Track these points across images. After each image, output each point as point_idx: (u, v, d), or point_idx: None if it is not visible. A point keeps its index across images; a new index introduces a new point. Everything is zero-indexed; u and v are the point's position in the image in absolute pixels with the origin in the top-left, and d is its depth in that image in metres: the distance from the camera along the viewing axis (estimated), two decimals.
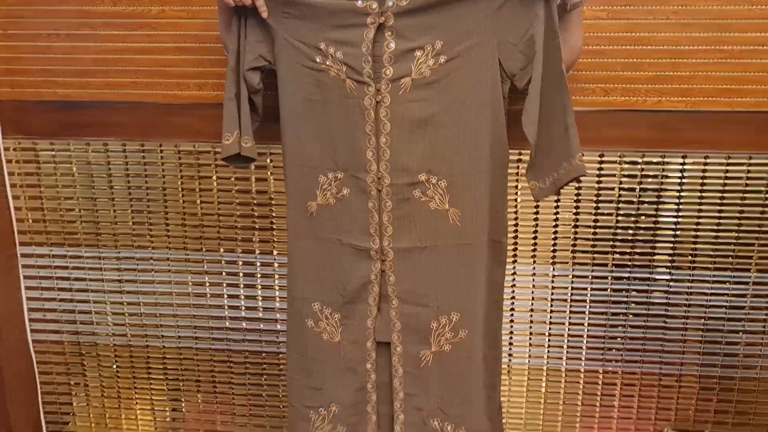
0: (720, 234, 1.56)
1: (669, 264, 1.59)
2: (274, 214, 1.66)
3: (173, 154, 1.65)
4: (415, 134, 1.20)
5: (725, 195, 1.54)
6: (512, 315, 1.66)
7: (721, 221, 1.56)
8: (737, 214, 1.55)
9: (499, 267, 1.31)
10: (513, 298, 1.65)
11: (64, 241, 1.74)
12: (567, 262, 1.62)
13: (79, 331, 1.80)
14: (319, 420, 1.36)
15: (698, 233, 1.57)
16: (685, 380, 1.65)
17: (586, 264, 1.62)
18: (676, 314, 1.62)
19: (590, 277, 1.62)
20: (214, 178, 1.66)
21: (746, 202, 1.54)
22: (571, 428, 1.71)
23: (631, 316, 1.63)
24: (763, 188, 1.53)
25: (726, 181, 1.53)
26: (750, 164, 1.52)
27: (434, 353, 1.29)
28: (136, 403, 1.84)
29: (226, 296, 1.73)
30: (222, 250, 1.70)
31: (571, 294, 1.64)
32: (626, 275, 1.61)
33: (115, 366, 1.82)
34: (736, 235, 1.56)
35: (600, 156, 1.54)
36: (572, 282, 1.63)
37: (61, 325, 1.80)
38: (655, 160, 1.54)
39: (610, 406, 1.69)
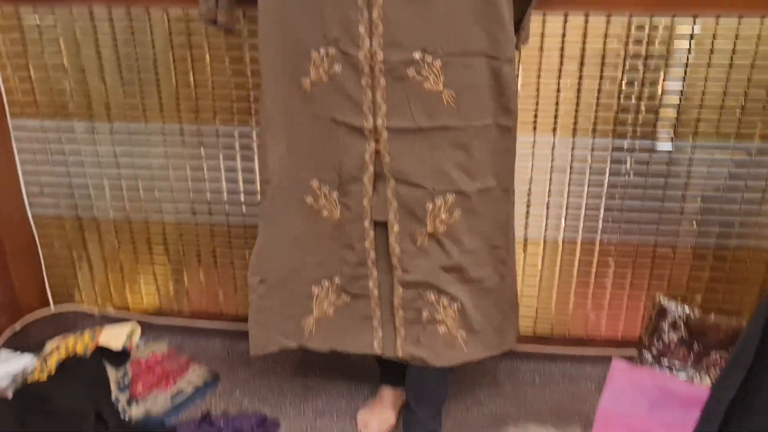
0: (726, 101, 1.53)
1: (672, 133, 1.57)
2: None
3: (162, 20, 1.58)
4: (409, 8, 1.14)
5: (735, 60, 1.49)
6: None
7: (728, 87, 1.51)
8: (745, 80, 1.50)
9: (507, 153, 1.29)
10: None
11: (56, 113, 1.70)
12: (568, 132, 1.59)
13: (77, 205, 1.80)
14: (323, 292, 1.39)
15: (704, 100, 1.53)
16: (680, 250, 1.67)
17: (587, 134, 1.59)
18: (676, 184, 1.61)
19: (591, 147, 1.60)
20: (206, 47, 1.60)
21: (756, 65, 1.49)
22: (566, 297, 1.76)
23: (630, 187, 1.63)
24: None
25: (736, 45, 1.48)
26: (762, 26, 1.46)
27: (429, 233, 1.29)
28: (140, 276, 1.88)
29: (223, 169, 1.72)
30: (217, 121, 1.67)
31: (571, 164, 1.62)
32: (627, 146, 1.59)
33: (116, 240, 1.84)
34: (743, 102, 1.52)
35: (607, 16, 1.48)
36: (573, 152, 1.61)
37: (59, 199, 1.80)
38: (664, 22, 1.48)
39: (604, 276, 1.72)
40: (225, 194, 1.74)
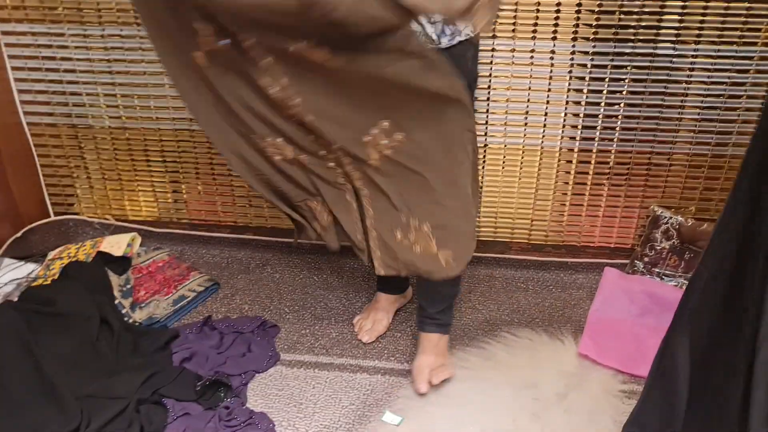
0: (731, 4, 1.49)
1: (674, 38, 1.54)
2: None
3: None
4: None
5: None
6: (508, 94, 1.64)
7: None
8: None
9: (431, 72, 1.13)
10: (511, 76, 1.62)
11: (45, 17, 1.66)
12: (568, 38, 1.56)
13: (72, 113, 1.79)
14: (319, 206, 1.37)
15: (708, 3, 1.50)
16: (676, 159, 1.68)
17: (588, 38, 1.56)
18: (675, 92, 1.59)
19: (590, 52, 1.58)
20: None
21: None
22: (561, 206, 1.77)
23: (629, 93, 1.61)
24: None
25: None
26: None
27: (381, 159, 1.23)
28: (138, 186, 1.88)
29: None
30: None
31: (570, 71, 1.60)
32: (628, 51, 1.56)
33: (113, 149, 1.83)
34: (748, 5, 1.49)
35: None
36: (572, 58, 1.59)
37: (53, 107, 1.78)
38: None
39: (600, 184, 1.73)
40: None
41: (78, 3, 1.63)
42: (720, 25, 1.51)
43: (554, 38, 1.57)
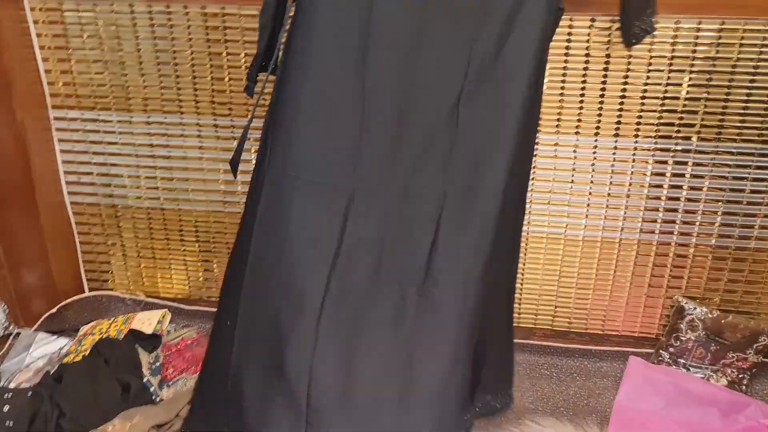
0: (749, 105, 1.55)
1: (695, 134, 1.59)
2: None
3: (199, 15, 1.64)
4: None
5: (759, 64, 1.51)
6: (533, 184, 1.69)
7: (751, 92, 1.54)
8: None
9: None
10: (534, 167, 1.68)
11: (95, 105, 1.77)
12: (591, 133, 1.63)
13: (113, 194, 1.87)
14: None
15: (728, 104, 1.55)
16: (699, 251, 1.70)
17: (610, 134, 1.62)
18: (697, 186, 1.63)
19: (613, 147, 1.63)
20: (241, 41, 1.65)
21: None
22: (584, 296, 1.79)
23: (651, 186, 1.65)
24: None
25: (762, 50, 1.50)
26: None
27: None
28: (171, 263, 1.94)
29: (253, 162, 1.77)
30: (250, 116, 1.72)
31: (594, 163, 1.65)
32: (649, 146, 1.62)
33: (149, 228, 1.90)
34: (766, 106, 1.54)
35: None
36: (595, 152, 1.64)
37: (96, 188, 1.87)
38: (687, 26, 1.50)
39: (624, 273, 1.75)
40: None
41: (127, 93, 1.74)
42: (739, 124, 1.57)
43: (576, 133, 1.63)
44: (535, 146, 1.36)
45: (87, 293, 2.00)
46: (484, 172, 1.20)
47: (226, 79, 1.69)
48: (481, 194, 1.20)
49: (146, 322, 1.82)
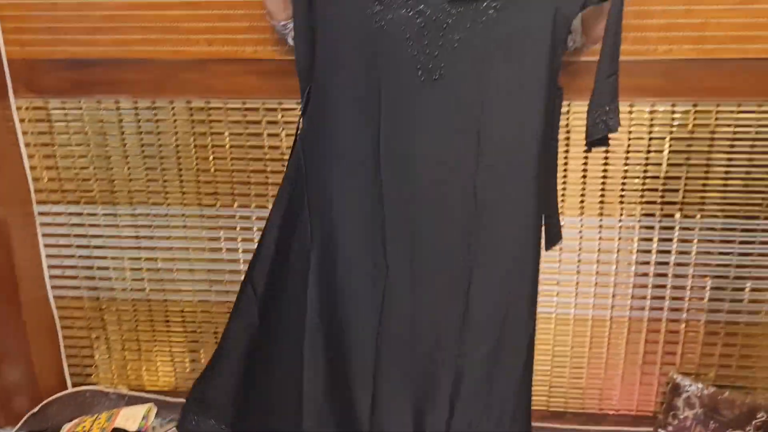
0: (729, 182, 1.58)
1: (678, 211, 1.61)
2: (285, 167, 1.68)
3: (185, 110, 1.66)
4: None
5: (735, 143, 1.55)
6: None
7: (730, 169, 1.57)
8: (746, 162, 1.56)
9: None
10: None
11: (80, 199, 1.76)
12: (575, 211, 1.64)
13: (98, 286, 1.84)
14: None
15: (707, 182, 1.58)
16: (691, 326, 1.69)
17: (594, 214, 1.64)
18: (684, 261, 1.64)
19: (598, 226, 1.65)
20: (227, 134, 1.67)
21: (756, 150, 1.55)
22: (579, 374, 1.77)
23: (638, 264, 1.66)
24: None
25: (736, 129, 1.54)
26: (761, 112, 1.52)
27: None
28: (156, 355, 1.90)
29: (240, 251, 1.76)
30: (236, 205, 1.73)
31: (580, 243, 1.66)
32: (633, 224, 1.64)
33: (134, 320, 1.87)
34: (744, 182, 1.57)
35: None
36: (581, 231, 1.66)
37: (80, 281, 1.84)
38: (662, 109, 1.54)
39: (617, 351, 1.73)
40: (242, 274, 1.78)
41: (112, 186, 1.74)
42: (720, 200, 1.59)
43: (562, 213, 1.64)
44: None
45: (70, 389, 1.94)
46: (506, 249, 1.27)
47: (212, 170, 1.70)
48: (503, 272, 1.28)
49: (131, 418, 1.76)
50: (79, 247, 1.81)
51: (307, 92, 1.30)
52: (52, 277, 1.84)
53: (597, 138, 1.21)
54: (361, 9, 1.18)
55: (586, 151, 1.33)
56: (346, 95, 1.26)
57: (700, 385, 1.66)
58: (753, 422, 1.61)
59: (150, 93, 1.65)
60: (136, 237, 1.78)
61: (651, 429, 1.72)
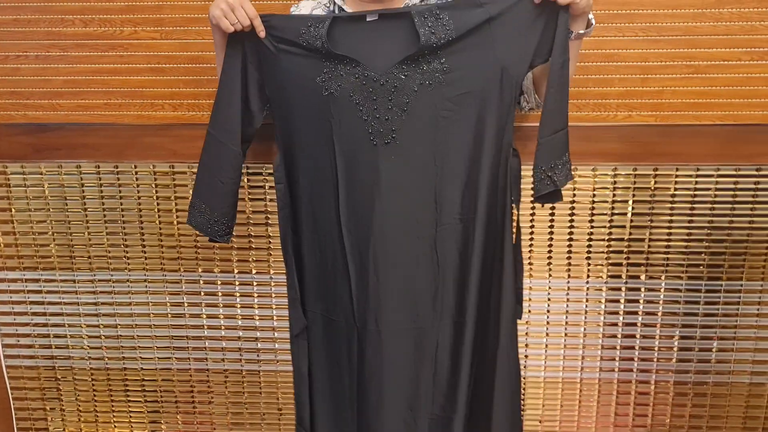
0: (690, 244, 1.60)
1: (643, 273, 1.63)
2: (252, 233, 1.66)
3: (149, 174, 1.64)
4: None
5: (695, 206, 1.58)
6: None
7: (691, 231, 1.60)
8: (707, 224, 1.59)
9: None
10: None
11: (38, 265, 1.71)
12: (543, 273, 1.65)
13: (54, 355, 1.77)
14: None
15: (670, 243, 1.61)
16: (660, 386, 1.69)
17: (561, 276, 1.64)
18: (650, 322, 1.65)
19: (566, 288, 1.65)
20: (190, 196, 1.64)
21: (715, 212, 1.58)
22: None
23: (605, 325, 1.66)
24: (730, 199, 1.57)
25: (696, 193, 1.57)
26: (718, 175, 1.56)
27: None
28: (115, 426, 1.82)
29: (204, 315, 1.72)
30: (200, 269, 1.69)
31: (549, 305, 1.66)
32: (601, 285, 1.64)
33: (92, 389, 1.79)
34: (706, 245, 1.60)
35: (574, 169, 1.57)
36: (549, 293, 1.66)
37: (36, 350, 1.77)
38: (624, 172, 1.57)
39: (588, 412, 1.72)
40: (206, 340, 1.73)
41: (71, 251, 1.69)
42: (683, 262, 1.61)
43: (530, 276, 1.65)
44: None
45: None
46: (465, 307, 1.29)
47: (176, 234, 1.67)
48: (466, 330, 1.30)
49: None
50: (35, 314, 1.74)
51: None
52: (5, 346, 1.76)
53: (545, 193, 1.22)
54: (311, 78, 1.20)
55: (533, 202, 1.35)
56: (306, 164, 1.27)
57: None
58: None
59: (113, 157, 1.63)
60: (95, 303, 1.72)
61: None
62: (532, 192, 1.23)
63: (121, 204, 1.66)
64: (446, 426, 1.34)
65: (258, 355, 1.73)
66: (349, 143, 1.21)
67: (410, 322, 1.29)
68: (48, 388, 1.80)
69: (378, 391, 1.31)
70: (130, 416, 1.81)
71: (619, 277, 1.63)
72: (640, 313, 1.65)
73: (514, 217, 1.27)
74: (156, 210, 1.66)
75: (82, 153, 1.62)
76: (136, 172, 1.64)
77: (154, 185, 1.64)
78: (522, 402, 1.71)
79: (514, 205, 1.27)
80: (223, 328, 1.72)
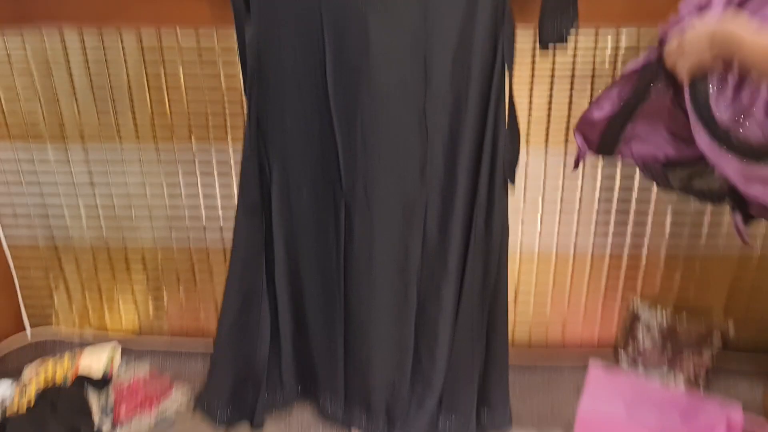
0: None
1: None
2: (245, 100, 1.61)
3: (135, 41, 1.57)
4: None
5: None
6: None
7: None
8: None
9: None
10: None
11: (28, 137, 1.68)
12: (541, 144, 1.63)
13: (53, 230, 1.78)
14: None
15: None
16: (652, 257, 1.72)
17: (560, 146, 1.62)
18: (645, 196, 1.65)
19: (563, 158, 1.64)
20: (180, 64, 1.58)
21: None
22: (542, 306, 1.79)
23: (603, 200, 1.66)
24: None
25: None
26: None
27: None
28: (118, 298, 1.86)
29: (200, 187, 1.71)
30: (193, 140, 1.66)
31: (545, 177, 1.66)
32: (597, 158, 1.63)
33: (93, 265, 1.82)
34: None
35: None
36: (546, 165, 1.64)
37: (34, 225, 1.78)
38: (629, 35, 1.51)
39: (580, 283, 1.76)
40: (203, 213, 1.73)
41: (61, 123, 1.65)
42: None
43: (527, 143, 1.63)
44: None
45: (29, 333, 1.90)
46: (455, 176, 1.28)
47: (167, 102, 1.62)
48: (455, 195, 1.29)
49: (95, 358, 1.73)
50: (30, 189, 1.73)
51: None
52: (3, 221, 1.77)
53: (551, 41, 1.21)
54: None
55: (543, 48, 1.31)
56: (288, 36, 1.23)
57: (658, 312, 1.70)
58: (708, 342, 1.67)
59: (95, 22, 1.55)
60: (90, 177, 1.71)
61: (611, 354, 1.78)
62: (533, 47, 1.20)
63: (109, 72, 1.59)
64: (437, 291, 1.37)
65: None
66: (336, 11, 1.17)
67: (398, 191, 1.29)
68: (50, 263, 1.82)
69: (368, 260, 1.33)
70: (133, 290, 1.84)
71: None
72: (634, 188, 1.65)
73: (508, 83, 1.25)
74: (145, 79, 1.60)
75: (64, 18, 1.54)
76: (122, 40, 1.56)
77: (141, 52, 1.57)
78: (512, 282, 1.75)
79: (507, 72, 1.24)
80: (219, 201, 1.72)
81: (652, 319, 1.71)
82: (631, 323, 1.74)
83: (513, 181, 1.35)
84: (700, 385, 1.69)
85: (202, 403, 1.58)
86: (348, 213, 1.30)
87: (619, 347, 1.76)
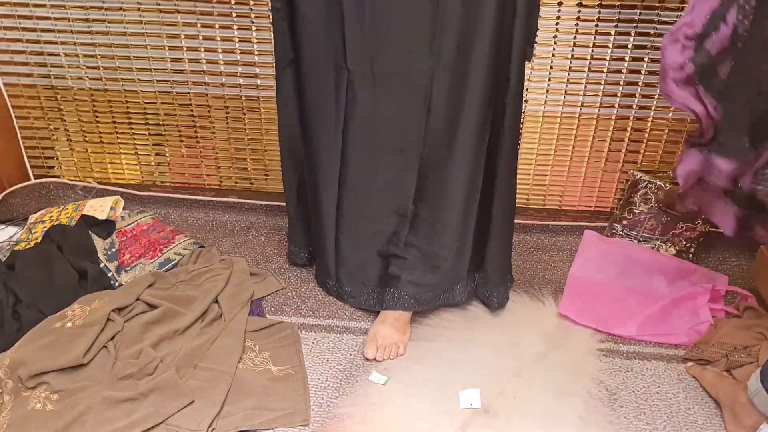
0: None
1: (658, 3, 1.55)
2: None
3: None
4: None
5: None
6: None
7: None
8: None
9: None
10: None
11: None
12: (554, 2, 1.57)
13: (51, 74, 1.75)
14: None
15: None
16: (656, 124, 1.70)
17: (573, 3, 1.56)
18: (655, 57, 1.61)
19: (576, 19, 1.58)
20: None
21: None
22: (543, 172, 1.80)
23: (613, 59, 1.63)
24: None
25: None
26: None
27: None
28: (120, 148, 1.86)
29: (201, 37, 1.67)
30: None
31: (555, 36, 1.61)
32: (614, 16, 1.57)
33: (93, 111, 1.80)
34: None
35: None
36: (557, 23, 1.59)
37: (32, 67, 1.75)
38: None
39: (583, 149, 1.75)
40: (204, 64, 1.70)
41: None
42: None
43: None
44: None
45: (33, 180, 1.92)
46: (468, 49, 1.23)
47: None
48: (468, 71, 1.24)
49: (98, 208, 1.77)
50: (25, 29, 1.69)
51: None
52: (0, 63, 1.74)
53: None
54: None
55: None
56: None
57: (657, 182, 1.71)
58: (703, 216, 1.69)
59: None
60: (87, 21, 1.66)
61: (606, 223, 1.80)
62: None
63: None
64: (442, 169, 1.34)
65: (256, 80, 1.71)
66: None
67: (405, 64, 1.24)
68: (49, 108, 1.81)
69: (371, 134, 1.30)
70: (135, 139, 1.84)
71: (635, 7, 1.56)
72: (649, 47, 1.60)
73: None
74: None
75: None
76: None
77: None
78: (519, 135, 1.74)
79: None
80: (220, 51, 1.68)
81: (651, 189, 1.71)
82: (629, 192, 1.75)
83: (530, 59, 1.30)
84: (690, 255, 1.72)
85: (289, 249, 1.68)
86: (352, 86, 1.26)
87: (615, 216, 1.78)
